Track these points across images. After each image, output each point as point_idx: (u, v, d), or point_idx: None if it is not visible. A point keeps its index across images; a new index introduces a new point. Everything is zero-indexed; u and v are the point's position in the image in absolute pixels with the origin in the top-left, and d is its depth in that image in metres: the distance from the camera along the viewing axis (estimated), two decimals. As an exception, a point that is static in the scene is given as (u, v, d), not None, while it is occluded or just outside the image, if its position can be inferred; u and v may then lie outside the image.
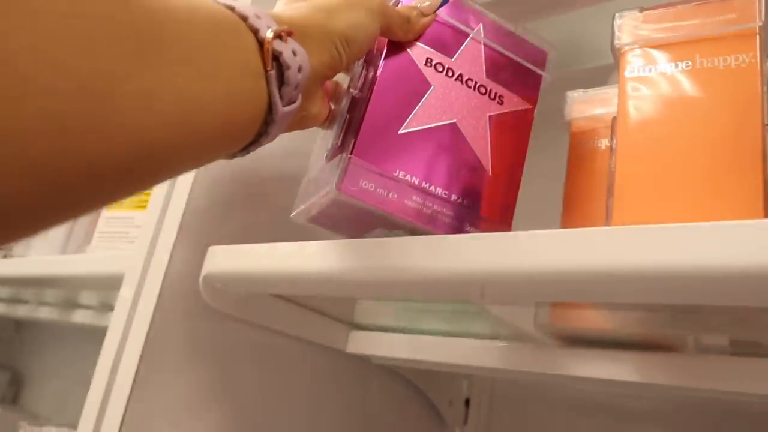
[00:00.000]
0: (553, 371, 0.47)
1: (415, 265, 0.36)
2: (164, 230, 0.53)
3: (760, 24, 0.37)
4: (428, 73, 0.42)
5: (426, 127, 0.41)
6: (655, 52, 0.39)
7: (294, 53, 0.31)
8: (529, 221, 0.46)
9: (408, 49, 0.42)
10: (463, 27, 0.44)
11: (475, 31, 0.45)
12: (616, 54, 0.41)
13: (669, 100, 0.38)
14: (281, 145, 0.58)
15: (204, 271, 0.49)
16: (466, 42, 0.44)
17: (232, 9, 0.29)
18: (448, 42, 0.44)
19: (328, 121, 0.43)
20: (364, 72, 0.43)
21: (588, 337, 0.47)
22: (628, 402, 0.65)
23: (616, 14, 0.42)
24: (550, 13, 0.72)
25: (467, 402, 0.75)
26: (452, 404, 0.72)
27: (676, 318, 0.40)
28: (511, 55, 0.46)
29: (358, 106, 0.41)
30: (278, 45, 0.30)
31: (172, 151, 0.26)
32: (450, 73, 0.43)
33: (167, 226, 0.53)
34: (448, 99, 0.42)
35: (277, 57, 0.30)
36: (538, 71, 0.46)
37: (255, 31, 0.29)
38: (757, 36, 0.37)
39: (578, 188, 0.47)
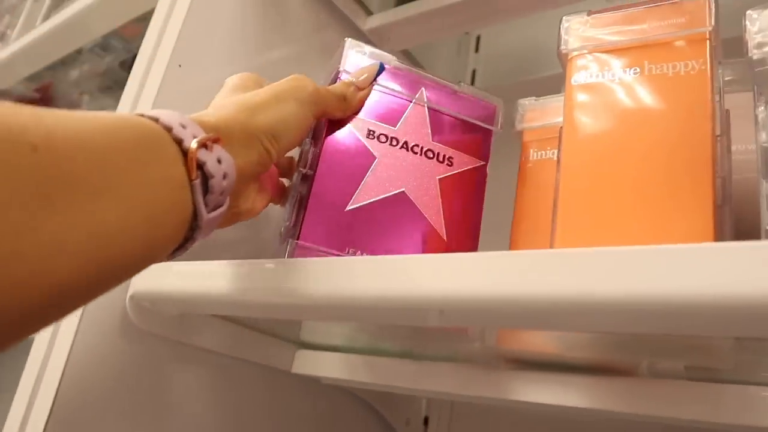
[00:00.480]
0: (502, 396, 0.44)
1: (364, 288, 0.32)
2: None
3: (711, 28, 0.34)
4: (372, 144, 0.42)
5: (374, 200, 0.40)
6: (602, 58, 0.37)
7: (219, 161, 0.30)
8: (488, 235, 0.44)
9: (350, 124, 0.42)
10: (404, 94, 0.44)
11: (417, 95, 0.44)
12: (563, 60, 0.39)
13: (616, 110, 0.35)
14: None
15: (131, 290, 0.46)
16: (408, 108, 0.43)
17: (156, 120, 0.29)
18: (390, 111, 0.43)
19: (282, 199, 0.44)
20: (312, 148, 0.42)
21: (537, 359, 0.44)
22: (590, 415, 0.63)
23: (564, 18, 0.40)
24: (510, 18, 0.70)
25: (426, 421, 0.72)
26: (409, 423, 0.70)
27: (625, 342, 0.37)
28: (458, 115, 0.45)
29: (306, 184, 0.41)
30: (203, 155, 0.29)
31: (90, 285, 0.25)
32: (394, 142, 0.42)
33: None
34: (394, 168, 0.41)
35: (201, 166, 0.29)
36: (488, 126, 0.45)
37: (179, 142, 0.29)
38: (708, 41, 0.34)
39: (527, 202, 0.44)
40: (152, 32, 0.54)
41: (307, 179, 0.41)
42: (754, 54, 0.30)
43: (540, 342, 0.42)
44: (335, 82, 0.42)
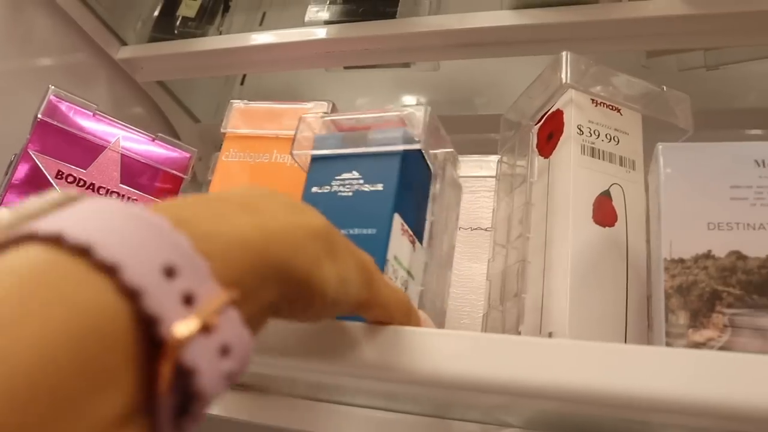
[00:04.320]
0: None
1: None
2: None
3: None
4: (59, 184, 0.48)
5: None
6: (245, 142, 0.47)
7: (225, 349, 0.17)
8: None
9: (39, 164, 0.48)
10: (100, 140, 0.50)
11: (112, 142, 0.50)
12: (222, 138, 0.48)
13: (247, 183, 0.45)
14: None
15: None
16: (102, 153, 0.50)
17: (115, 271, 0.15)
18: (83, 154, 0.49)
19: None
20: (4, 177, 0.47)
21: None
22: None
23: (231, 101, 0.49)
24: (262, 71, 0.77)
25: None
26: None
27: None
28: (150, 162, 0.52)
29: None
30: (193, 354, 0.16)
31: None
32: (81, 183, 0.49)
33: None
34: None
35: (184, 373, 0.16)
36: (178, 174, 0.53)
37: (151, 321, 0.15)
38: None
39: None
40: None
41: None
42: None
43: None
44: (33, 127, 0.48)
